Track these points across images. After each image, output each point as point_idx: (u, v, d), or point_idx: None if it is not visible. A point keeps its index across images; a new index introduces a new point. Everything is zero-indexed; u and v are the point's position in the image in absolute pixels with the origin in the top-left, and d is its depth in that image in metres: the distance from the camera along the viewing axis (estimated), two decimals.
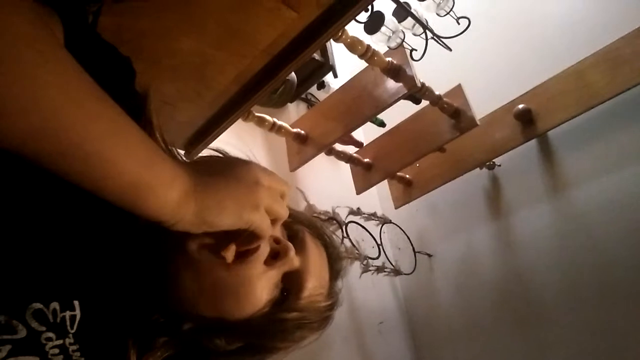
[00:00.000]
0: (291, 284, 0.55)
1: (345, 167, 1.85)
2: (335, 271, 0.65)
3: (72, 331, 0.43)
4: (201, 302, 0.50)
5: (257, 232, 0.46)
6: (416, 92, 1.37)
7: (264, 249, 0.51)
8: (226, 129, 1.23)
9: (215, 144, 1.26)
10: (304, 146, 1.57)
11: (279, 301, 0.54)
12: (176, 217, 0.39)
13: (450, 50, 1.45)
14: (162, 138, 0.52)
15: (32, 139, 0.31)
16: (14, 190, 0.41)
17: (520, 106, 1.67)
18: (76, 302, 0.43)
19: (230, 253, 0.49)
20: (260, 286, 0.51)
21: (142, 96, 0.55)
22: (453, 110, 1.50)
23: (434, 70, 1.51)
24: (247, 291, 0.50)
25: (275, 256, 0.53)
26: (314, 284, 0.58)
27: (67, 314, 0.43)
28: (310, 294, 0.57)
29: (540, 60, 1.80)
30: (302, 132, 1.56)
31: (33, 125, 0.30)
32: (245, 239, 0.48)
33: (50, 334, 0.42)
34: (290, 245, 0.54)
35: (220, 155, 0.57)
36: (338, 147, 1.71)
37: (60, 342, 0.42)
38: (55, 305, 0.42)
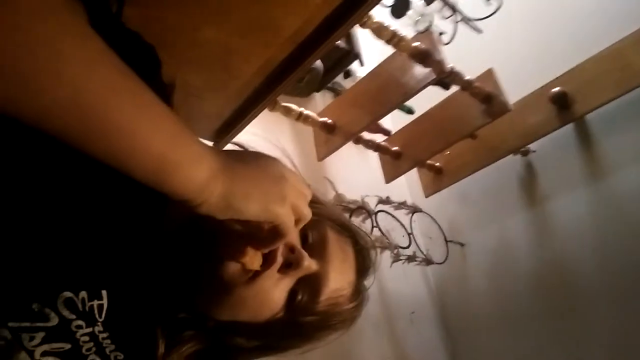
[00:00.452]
0: (309, 287, 0.55)
1: (374, 156, 1.83)
2: (363, 269, 0.64)
3: (101, 320, 0.44)
4: (218, 310, 0.52)
5: (281, 228, 0.45)
6: (445, 78, 1.34)
7: (279, 259, 0.51)
8: (253, 119, 1.23)
9: (243, 134, 1.26)
10: (331, 135, 1.56)
11: (296, 304, 0.54)
12: (202, 196, 0.39)
13: (481, 32, 1.41)
14: None
15: (57, 113, 0.30)
16: (47, 179, 0.41)
17: (556, 89, 1.61)
18: (104, 292, 0.44)
19: (257, 260, 0.48)
20: (276, 295, 0.52)
21: (169, 86, 0.55)
22: (484, 95, 1.46)
23: (463, 54, 1.46)
24: (261, 301, 0.51)
25: (289, 265, 0.52)
26: (334, 286, 0.57)
27: (95, 302, 0.44)
28: (329, 297, 0.56)
29: (576, 40, 1.73)
30: (329, 121, 1.55)
31: (58, 99, 0.30)
32: (268, 237, 0.47)
33: (80, 322, 0.43)
34: (304, 254, 0.53)
35: (245, 149, 0.57)
36: (366, 135, 1.69)
37: (90, 330, 0.43)
38: (83, 294, 0.43)
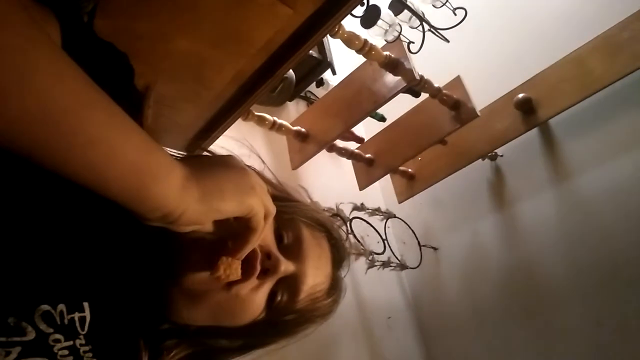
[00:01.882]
0: (288, 287, 0.56)
1: (348, 164, 1.85)
2: (338, 260, 0.65)
3: (83, 332, 0.43)
4: (198, 319, 0.52)
5: (253, 222, 0.45)
6: (415, 85, 1.37)
7: (257, 267, 0.51)
8: (226, 129, 1.23)
9: (216, 144, 1.26)
10: (305, 144, 1.57)
11: (276, 305, 0.55)
12: (182, 204, 0.38)
13: (448, 41, 1.44)
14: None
15: (27, 125, 0.30)
16: (23, 193, 0.40)
17: (521, 95, 1.67)
18: (86, 304, 0.43)
19: (234, 270, 0.48)
20: (256, 301, 0.52)
21: (141, 94, 0.55)
22: (453, 102, 1.49)
23: (432, 63, 1.50)
24: (242, 308, 0.52)
25: (266, 271, 0.53)
26: (312, 283, 0.58)
27: (76, 315, 0.43)
28: (308, 294, 0.57)
29: (539, 48, 1.80)
30: (303, 129, 1.56)
31: (27, 110, 0.29)
32: (240, 240, 0.47)
33: (59, 336, 0.42)
34: (280, 259, 0.53)
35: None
36: (339, 143, 1.70)
37: (69, 343, 0.42)
38: (62, 307, 0.42)
